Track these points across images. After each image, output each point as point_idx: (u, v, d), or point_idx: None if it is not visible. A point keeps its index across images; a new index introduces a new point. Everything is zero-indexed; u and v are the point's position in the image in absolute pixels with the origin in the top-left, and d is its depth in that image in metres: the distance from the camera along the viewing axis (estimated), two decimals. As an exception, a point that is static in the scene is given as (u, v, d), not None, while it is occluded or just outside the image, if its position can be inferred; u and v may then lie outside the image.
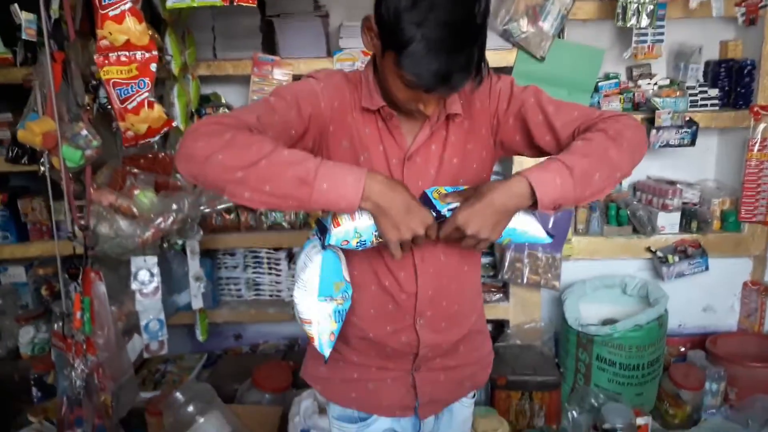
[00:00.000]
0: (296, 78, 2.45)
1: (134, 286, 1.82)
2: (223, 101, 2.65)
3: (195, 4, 1.49)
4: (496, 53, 2.33)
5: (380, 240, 1.06)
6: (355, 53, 2.38)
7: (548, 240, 1.13)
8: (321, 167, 0.96)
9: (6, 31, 1.56)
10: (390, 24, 0.98)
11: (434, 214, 1.05)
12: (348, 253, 1.16)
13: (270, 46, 2.46)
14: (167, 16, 1.89)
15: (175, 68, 1.98)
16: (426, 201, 1.09)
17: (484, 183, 1.11)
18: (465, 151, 1.19)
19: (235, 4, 1.56)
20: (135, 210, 1.80)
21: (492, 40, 2.32)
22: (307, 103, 1.10)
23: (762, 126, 2.41)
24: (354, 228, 1.04)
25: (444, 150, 1.18)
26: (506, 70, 2.38)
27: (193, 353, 2.77)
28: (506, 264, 2.48)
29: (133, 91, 1.41)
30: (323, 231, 1.09)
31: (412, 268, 1.19)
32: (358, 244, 1.06)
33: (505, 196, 1.02)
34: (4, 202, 2.51)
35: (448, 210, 1.06)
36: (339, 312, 1.14)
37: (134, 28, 1.36)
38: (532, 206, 1.04)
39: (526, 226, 1.11)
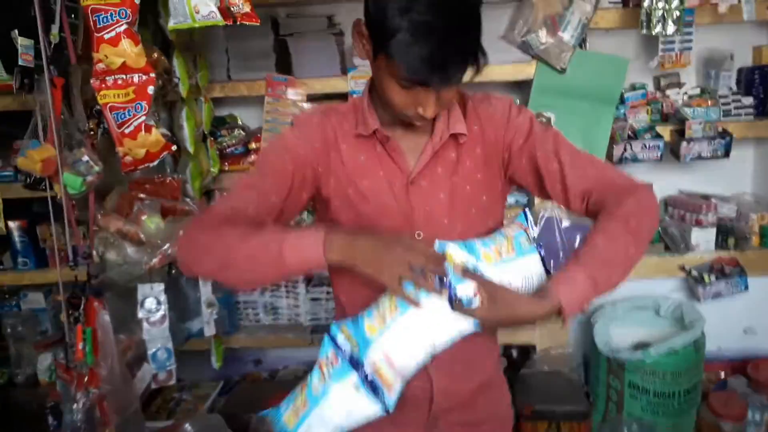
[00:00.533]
0: (311, 98, 2.42)
1: (141, 314, 1.78)
2: (240, 122, 2.62)
3: (196, 25, 1.46)
4: (515, 66, 2.25)
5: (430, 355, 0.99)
6: (369, 71, 2.32)
7: None
8: (284, 242, 0.94)
9: (8, 57, 1.55)
10: (377, 19, 0.93)
11: (444, 285, 0.94)
12: (349, 291, 1.10)
13: (285, 66, 2.43)
14: (174, 39, 1.87)
15: (183, 91, 1.95)
16: None
17: (507, 288, 0.98)
18: (476, 180, 1.11)
19: (238, 23, 1.52)
20: (142, 236, 1.76)
21: (510, 52, 2.24)
22: (283, 160, 1.08)
23: (802, 135, 2.28)
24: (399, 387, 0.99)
25: (454, 174, 1.10)
26: (526, 84, 2.29)
27: (209, 380, 2.71)
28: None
29: (130, 115, 1.38)
30: (356, 365, 0.98)
31: None
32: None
33: (531, 314, 0.95)
34: (24, 228, 2.51)
35: (466, 297, 0.94)
36: None
37: (130, 51, 1.33)
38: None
39: None
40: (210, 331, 2.13)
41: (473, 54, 0.96)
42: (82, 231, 1.84)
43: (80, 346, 1.53)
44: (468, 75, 1.00)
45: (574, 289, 0.95)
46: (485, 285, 0.95)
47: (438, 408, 1.16)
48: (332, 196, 1.12)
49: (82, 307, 1.59)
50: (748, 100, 2.35)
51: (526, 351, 2.53)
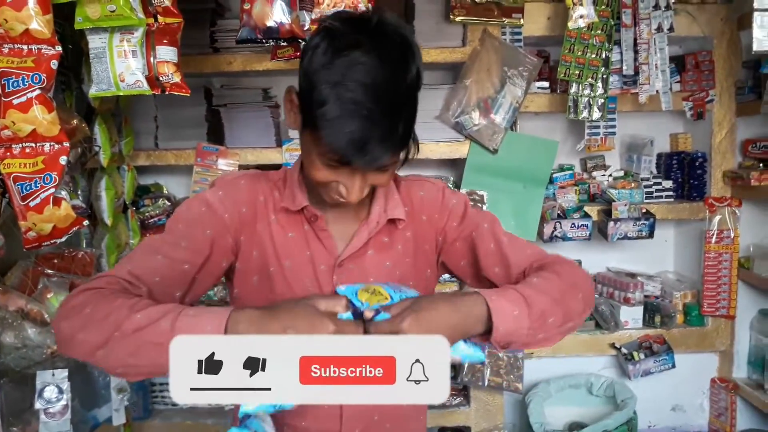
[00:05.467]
0: (243, 168, 2.35)
1: (39, 404, 1.57)
2: (165, 191, 2.51)
3: (120, 93, 1.37)
4: (449, 145, 2.27)
5: None
6: (304, 144, 2.29)
7: (482, 358, 0.93)
8: (177, 323, 0.80)
9: None
10: (308, 89, 0.87)
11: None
12: None
13: (217, 136, 2.36)
14: (97, 105, 1.77)
15: (104, 160, 1.83)
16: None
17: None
18: (405, 264, 1.06)
19: (166, 93, 1.46)
20: (47, 316, 1.59)
21: (444, 132, 2.27)
22: (202, 225, 0.97)
23: (717, 218, 2.40)
24: None
25: (385, 259, 1.04)
26: (459, 162, 2.32)
27: (118, 473, 2.45)
28: (466, 365, 2.31)
29: (37, 186, 1.25)
30: None
31: None
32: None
33: (462, 315, 0.86)
34: None
35: (381, 313, 0.85)
36: None
37: (42, 118, 1.22)
38: (482, 336, 0.88)
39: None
40: (119, 419, 1.92)
41: (402, 140, 0.90)
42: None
43: (-41, 447, 1.32)
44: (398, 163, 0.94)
45: (503, 299, 0.88)
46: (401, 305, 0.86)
47: None
48: (252, 270, 1.02)
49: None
50: (668, 184, 2.47)
51: (462, 434, 2.44)
